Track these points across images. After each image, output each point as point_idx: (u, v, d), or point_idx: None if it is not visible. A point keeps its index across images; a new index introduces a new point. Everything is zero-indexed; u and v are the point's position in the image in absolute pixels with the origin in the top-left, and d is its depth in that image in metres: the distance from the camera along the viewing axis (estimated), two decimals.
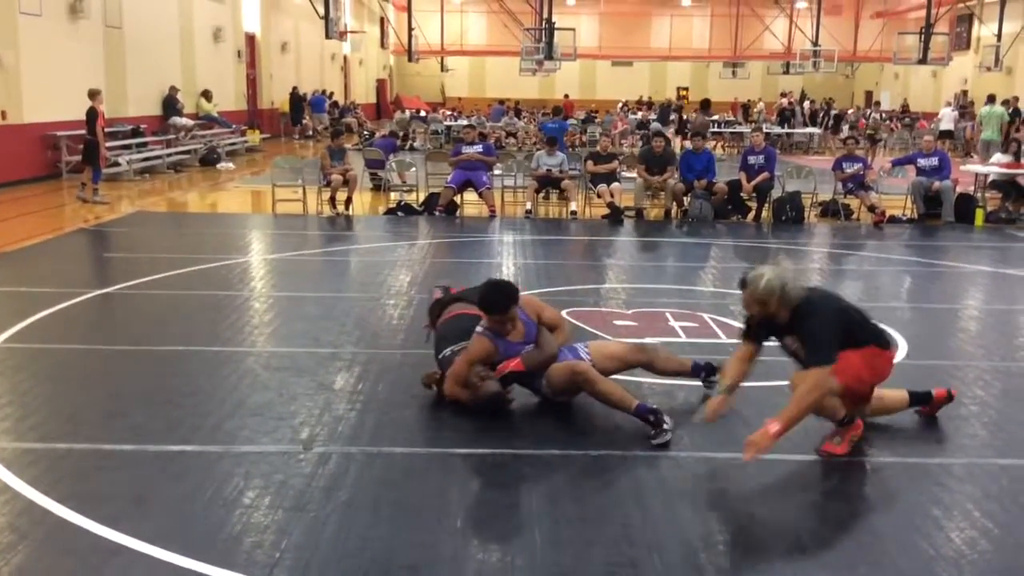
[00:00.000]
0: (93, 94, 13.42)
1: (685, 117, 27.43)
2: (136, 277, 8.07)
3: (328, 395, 5.10)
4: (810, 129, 28.08)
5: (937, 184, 12.56)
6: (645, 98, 36.96)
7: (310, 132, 28.18)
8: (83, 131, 13.50)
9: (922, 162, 12.93)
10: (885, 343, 4.48)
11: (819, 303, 4.26)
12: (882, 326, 4.69)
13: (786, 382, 5.51)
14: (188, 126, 19.82)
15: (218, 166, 19.05)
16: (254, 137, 23.34)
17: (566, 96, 36.15)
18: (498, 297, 4.79)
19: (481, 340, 4.86)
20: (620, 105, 35.84)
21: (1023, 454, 4.50)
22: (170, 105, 19.58)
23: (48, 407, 4.91)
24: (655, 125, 23.01)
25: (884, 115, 33.75)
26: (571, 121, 24.86)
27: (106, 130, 14.09)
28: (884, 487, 4.05)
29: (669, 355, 5.43)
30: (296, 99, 28.24)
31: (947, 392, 4.89)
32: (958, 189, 13.01)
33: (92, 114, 13.23)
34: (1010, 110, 19.80)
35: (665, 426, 4.49)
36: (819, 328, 4.15)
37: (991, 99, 19.97)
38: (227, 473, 4.05)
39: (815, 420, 4.41)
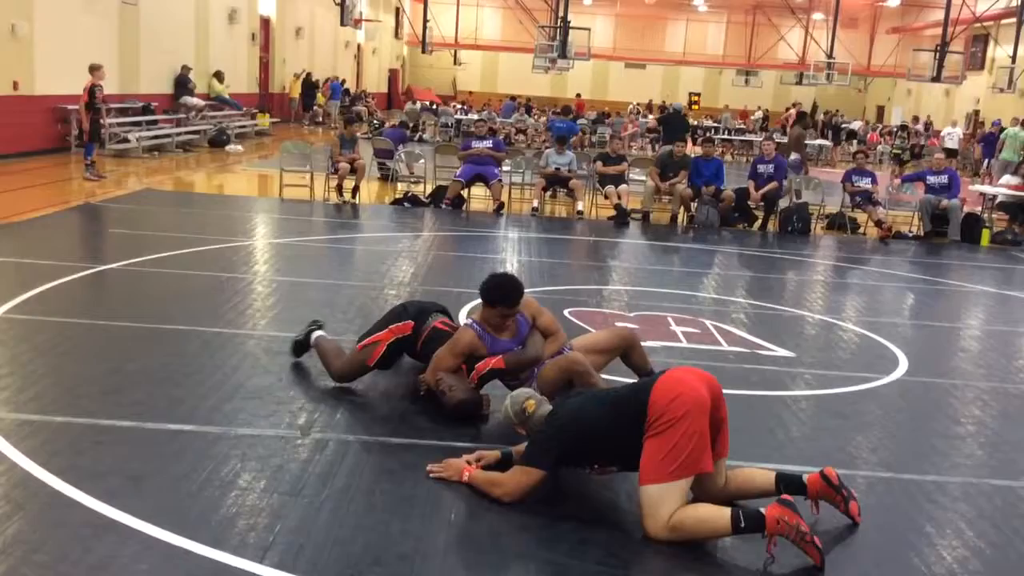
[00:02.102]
0: (92, 69, 13.36)
1: (697, 123, 27.40)
2: (141, 254, 8.08)
3: (328, 381, 5.09)
4: (820, 141, 28.05)
5: (945, 202, 12.56)
6: (657, 102, 36.92)
7: (320, 118, 28.16)
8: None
9: (931, 180, 12.95)
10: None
11: (556, 420, 3.86)
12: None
13: (788, 392, 5.55)
14: (199, 106, 19.83)
15: (227, 148, 19.05)
16: (264, 121, 23.34)
17: (578, 95, 36.11)
18: (510, 290, 4.66)
19: (467, 331, 4.72)
20: (631, 107, 35.79)
21: (1018, 475, 4.50)
22: (182, 84, 19.59)
23: (48, 379, 4.91)
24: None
25: (917, 129, 32.82)
26: (581, 121, 24.80)
27: (116, 106, 14.07)
28: (878, 502, 4.04)
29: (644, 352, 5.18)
30: (309, 85, 28.22)
31: (820, 475, 3.80)
32: (965, 209, 13.01)
33: (92, 89, 13.19)
34: None
35: None
36: (536, 439, 3.87)
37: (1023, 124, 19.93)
38: (224, 455, 4.05)
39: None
